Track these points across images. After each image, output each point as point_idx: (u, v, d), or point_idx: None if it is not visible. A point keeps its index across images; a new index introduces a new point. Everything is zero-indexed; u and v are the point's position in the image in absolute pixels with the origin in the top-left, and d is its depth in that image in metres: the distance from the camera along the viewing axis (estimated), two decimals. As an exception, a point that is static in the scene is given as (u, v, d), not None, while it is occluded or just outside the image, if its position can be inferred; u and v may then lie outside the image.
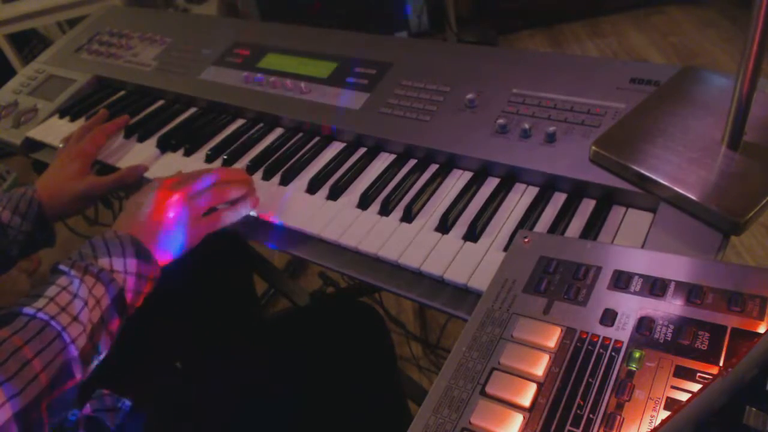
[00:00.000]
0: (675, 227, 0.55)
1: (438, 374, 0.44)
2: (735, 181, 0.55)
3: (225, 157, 0.82)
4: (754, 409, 0.31)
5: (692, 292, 0.43)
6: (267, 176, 0.77)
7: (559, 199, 0.63)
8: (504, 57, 0.80)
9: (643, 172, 0.57)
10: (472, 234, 0.61)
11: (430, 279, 0.60)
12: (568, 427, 0.38)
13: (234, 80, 0.94)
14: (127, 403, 0.64)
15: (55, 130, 0.98)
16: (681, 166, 0.57)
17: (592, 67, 0.73)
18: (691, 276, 0.44)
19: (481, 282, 0.56)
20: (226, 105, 0.92)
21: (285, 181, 0.76)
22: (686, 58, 2.16)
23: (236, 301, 1.04)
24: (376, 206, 0.68)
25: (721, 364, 0.38)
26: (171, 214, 0.64)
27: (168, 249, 0.64)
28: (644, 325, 0.42)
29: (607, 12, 2.53)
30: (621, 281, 0.46)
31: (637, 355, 0.40)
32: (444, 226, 0.63)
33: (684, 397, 0.37)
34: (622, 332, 0.42)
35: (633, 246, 0.55)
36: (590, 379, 0.40)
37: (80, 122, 0.98)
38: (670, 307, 0.43)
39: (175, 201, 0.65)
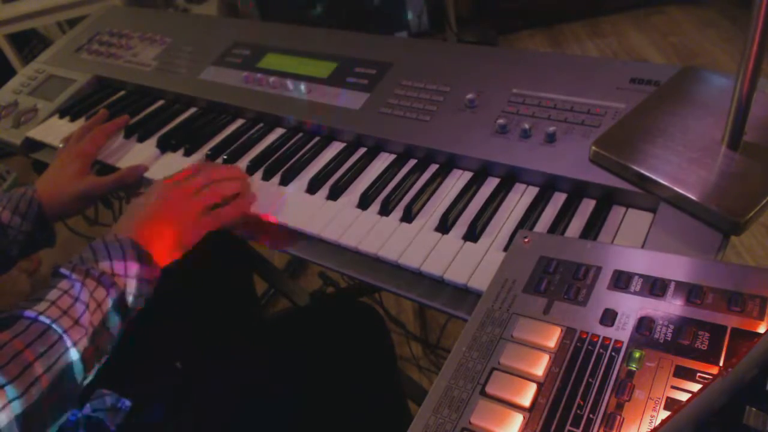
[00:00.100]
0: (675, 227, 0.55)
1: (438, 374, 0.44)
2: (735, 181, 0.55)
3: (225, 157, 0.82)
4: (754, 409, 0.31)
5: (692, 292, 0.43)
6: (267, 176, 0.77)
7: (559, 199, 0.63)
8: (504, 57, 0.80)
9: (643, 172, 0.57)
10: (472, 234, 0.61)
11: (430, 279, 0.60)
12: (568, 427, 0.38)
13: (234, 80, 0.93)
14: (127, 403, 0.64)
15: (55, 130, 0.98)
16: (681, 166, 0.57)
17: (592, 67, 0.73)
18: (691, 276, 0.44)
19: (481, 282, 0.56)
20: (226, 105, 0.92)
21: (285, 181, 0.76)
22: (686, 58, 2.16)
23: (236, 301, 1.04)
24: (376, 206, 0.68)
25: (721, 364, 0.38)
26: (170, 216, 0.64)
27: (168, 250, 0.64)
28: (644, 325, 0.42)
29: (607, 12, 2.53)
30: (621, 281, 0.46)
31: (637, 355, 0.40)
32: (444, 226, 0.63)
33: (684, 397, 0.37)
34: (622, 332, 0.42)
35: (633, 246, 0.55)
36: (590, 379, 0.40)
37: (80, 122, 0.98)
38: (670, 307, 0.43)
39: (174, 202, 0.65)
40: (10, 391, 0.46)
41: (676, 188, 0.55)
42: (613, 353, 0.41)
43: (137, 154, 0.88)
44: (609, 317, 0.43)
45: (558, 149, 0.65)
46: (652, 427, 0.36)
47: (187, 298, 0.88)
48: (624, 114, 0.65)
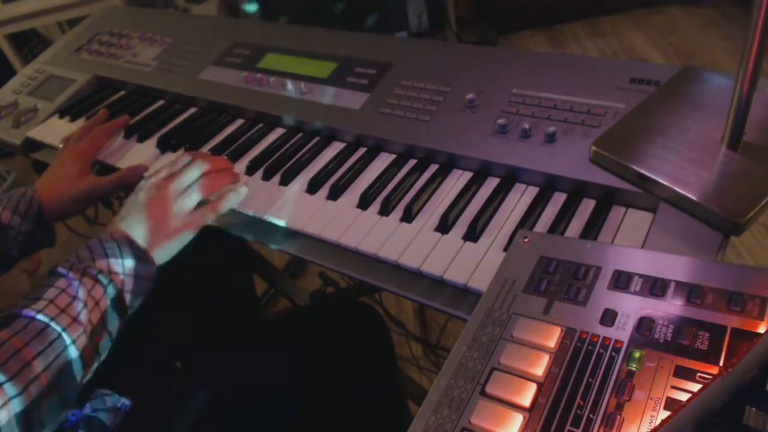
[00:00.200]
0: (675, 227, 0.55)
1: (438, 374, 0.44)
2: (735, 181, 0.55)
3: (225, 157, 0.82)
4: (754, 409, 0.31)
5: (692, 292, 0.43)
6: (267, 176, 0.77)
7: (559, 199, 0.63)
8: (504, 57, 0.80)
9: (643, 172, 0.57)
10: (472, 234, 0.61)
11: (430, 279, 0.60)
12: (568, 427, 0.38)
13: (234, 80, 0.93)
14: (127, 403, 0.64)
15: (55, 130, 0.98)
16: (681, 166, 0.57)
17: (592, 67, 0.73)
18: (691, 276, 0.44)
19: (481, 282, 0.56)
20: (226, 105, 0.92)
21: (285, 181, 0.76)
22: (686, 58, 2.16)
23: (236, 301, 1.04)
24: (376, 206, 0.68)
25: (721, 364, 0.38)
26: (164, 212, 0.64)
27: (164, 247, 0.63)
28: (644, 325, 0.42)
29: (607, 12, 2.53)
30: (621, 281, 0.46)
31: (637, 355, 0.40)
32: (444, 226, 0.63)
33: (684, 397, 0.37)
34: (622, 332, 0.42)
35: (633, 246, 0.55)
36: (590, 379, 0.40)
37: (80, 122, 0.98)
38: (670, 307, 0.43)
39: (166, 198, 0.65)
40: (10, 389, 0.46)
41: (676, 188, 0.55)
42: (613, 353, 0.41)
43: (137, 154, 0.88)
44: (609, 317, 0.43)
45: (558, 149, 0.65)
46: (652, 427, 0.36)
47: (187, 298, 0.88)
48: (624, 114, 0.65)
